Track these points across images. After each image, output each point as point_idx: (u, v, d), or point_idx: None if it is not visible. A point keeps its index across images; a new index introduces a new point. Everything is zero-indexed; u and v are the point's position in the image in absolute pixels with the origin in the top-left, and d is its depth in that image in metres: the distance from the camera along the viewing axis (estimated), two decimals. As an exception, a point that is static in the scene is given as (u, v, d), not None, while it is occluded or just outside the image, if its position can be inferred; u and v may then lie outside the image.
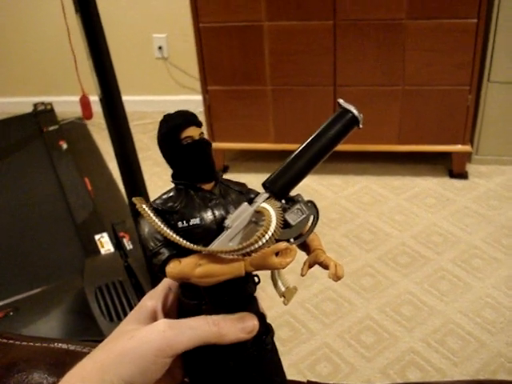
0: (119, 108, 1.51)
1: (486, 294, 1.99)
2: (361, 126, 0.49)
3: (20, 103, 3.42)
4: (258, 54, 2.45)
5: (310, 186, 2.58)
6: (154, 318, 0.51)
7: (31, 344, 0.67)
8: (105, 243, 2.03)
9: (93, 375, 0.45)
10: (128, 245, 1.98)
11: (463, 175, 2.62)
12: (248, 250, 0.43)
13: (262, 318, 0.50)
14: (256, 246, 0.43)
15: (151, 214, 0.45)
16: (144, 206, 0.46)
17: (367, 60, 2.40)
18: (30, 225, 2.27)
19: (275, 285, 0.50)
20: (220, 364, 0.50)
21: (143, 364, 0.45)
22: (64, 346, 0.65)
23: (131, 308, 1.67)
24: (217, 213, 0.47)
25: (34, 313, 1.73)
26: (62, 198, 2.37)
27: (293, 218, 0.47)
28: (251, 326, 0.48)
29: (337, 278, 0.49)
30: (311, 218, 0.48)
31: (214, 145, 2.71)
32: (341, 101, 0.49)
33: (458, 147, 2.54)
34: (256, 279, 0.50)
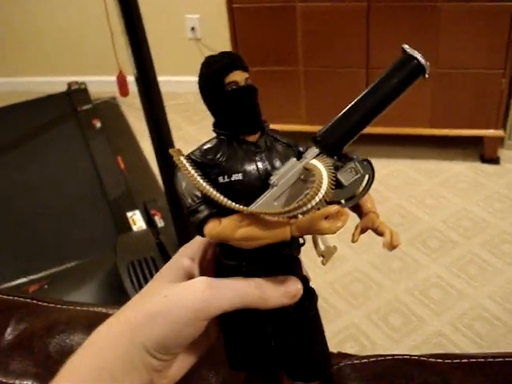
0: (154, 87, 1.53)
1: (516, 279, 1.99)
2: (427, 75, 0.43)
3: (54, 82, 3.47)
4: (290, 35, 2.45)
5: (340, 169, 2.58)
6: (191, 271, 0.47)
7: (71, 307, 0.70)
8: (137, 220, 2.07)
9: (122, 336, 0.42)
10: (159, 222, 2.02)
11: (495, 160, 2.59)
12: (296, 212, 0.39)
13: (305, 281, 0.47)
14: (305, 208, 0.39)
15: (189, 168, 0.41)
16: (182, 158, 0.41)
17: (400, 42, 2.38)
18: (65, 202, 2.31)
19: (315, 243, 0.45)
20: (259, 328, 0.46)
21: (178, 326, 0.41)
22: (103, 310, 0.68)
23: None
24: (261, 168, 0.42)
25: (68, 286, 1.78)
26: (96, 176, 2.41)
27: (346, 177, 0.42)
28: (295, 291, 0.44)
29: (392, 247, 0.44)
30: (366, 178, 0.43)
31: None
32: (406, 46, 0.44)
33: (491, 132, 2.51)
34: (301, 240, 0.45)
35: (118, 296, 1.71)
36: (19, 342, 0.65)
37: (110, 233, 2.02)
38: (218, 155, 0.42)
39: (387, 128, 2.54)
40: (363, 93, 0.44)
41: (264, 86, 2.64)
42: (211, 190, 0.40)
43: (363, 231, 0.46)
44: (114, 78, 3.04)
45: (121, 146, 2.65)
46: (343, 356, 0.66)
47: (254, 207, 0.40)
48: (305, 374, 0.49)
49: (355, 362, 0.61)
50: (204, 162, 0.42)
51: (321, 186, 0.39)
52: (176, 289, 0.43)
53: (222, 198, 0.40)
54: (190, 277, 0.46)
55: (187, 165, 0.41)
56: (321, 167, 0.40)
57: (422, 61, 0.43)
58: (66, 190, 2.38)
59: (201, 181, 0.40)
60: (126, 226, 2.05)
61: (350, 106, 0.44)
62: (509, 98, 2.48)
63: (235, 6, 2.43)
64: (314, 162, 0.41)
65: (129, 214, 2.10)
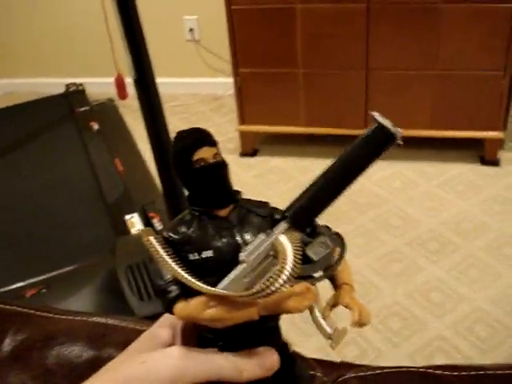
0: (153, 89, 1.52)
1: (517, 282, 1.98)
2: (399, 142, 0.43)
3: (52, 84, 3.45)
4: (290, 36, 2.44)
5: (339, 171, 2.57)
6: (172, 339, 0.47)
7: (70, 318, 0.68)
8: (135, 223, 2.05)
9: None
10: (158, 225, 2.00)
11: (495, 162, 2.59)
12: (261, 295, 0.39)
13: (283, 348, 0.47)
14: (269, 290, 0.38)
15: (159, 249, 0.41)
16: (152, 238, 0.41)
17: (400, 44, 2.38)
18: (62, 204, 2.29)
19: (317, 326, 0.44)
20: None
21: None
22: (102, 320, 0.66)
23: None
24: (232, 243, 0.43)
25: (66, 290, 1.76)
26: (93, 179, 2.39)
27: (315, 251, 0.42)
28: (270, 363, 0.44)
29: (360, 325, 0.45)
30: (337, 250, 0.43)
31: (244, 127, 2.71)
32: (376, 114, 0.43)
33: (491, 134, 2.50)
34: None
35: (116, 300, 1.70)
36: (17, 354, 0.64)
37: (108, 236, 2.00)
38: (189, 231, 0.43)
39: (387, 130, 2.53)
40: (332, 165, 0.43)
41: (263, 88, 2.64)
42: (179, 271, 0.40)
43: (333, 307, 0.46)
44: (112, 80, 3.03)
45: (119, 148, 2.63)
46: (347, 366, 0.65)
47: (222, 285, 0.41)
48: None
49: (361, 374, 0.60)
50: (175, 240, 0.43)
51: (285, 266, 0.39)
52: (153, 355, 0.43)
53: (189, 279, 0.40)
54: (169, 346, 0.46)
55: (156, 246, 0.41)
56: (287, 244, 0.40)
57: (393, 129, 0.42)
58: (63, 193, 2.37)
59: (169, 261, 0.41)
60: (123, 229, 2.03)
61: (319, 179, 0.43)
62: (509, 100, 2.47)
63: (234, 7, 2.42)
64: (282, 238, 0.41)
65: (127, 217, 2.08)
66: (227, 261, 0.42)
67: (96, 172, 2.42)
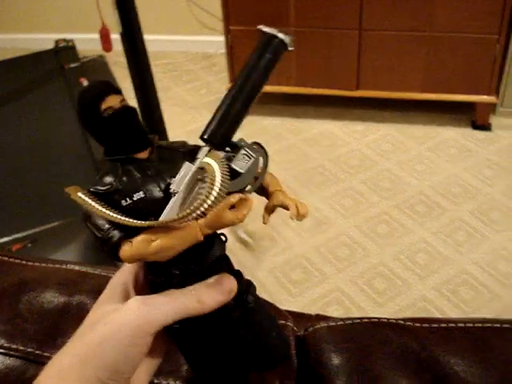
0: (139, 43, 1.49)
1: (503, 246, 1.98)
2: (291, 48, 0.44)
3: (42, 40, 3.40)
4: (282, -6, 2.40)
5: (331, 132, 2.56)
6: (128, 295, 0.47)
7: (43, 265, 0.68)
8: (123, 181, 2.04)
9: (72, 371, 0.42)
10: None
11: (486, 127, 2.57)
12: (197, 212, 0.39)
13: (237, 275, 0.48)
14: (205, 206, 0.39)
15: (89, 200, 0.42)
16: (79, 193, 0.42)
17: (395, 4, 2.34)
18: (51, 161, 2.28)
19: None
20: (206, 332, 0.47)
21: (124, 348, 0.42)
22: (76, 267, 0.66)
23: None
24: (160, 181, 0.43)
25: (51, 245, 1.76)
26: (82, 135, 2.37)
27: (240, 165, 0.43)
28: (229, 286, 0.45)
29: (299, 217, 0.46)
30: (261, 159, 0.44)
31: (235, 87, 2.68)
32: (262, 27, 0.45)
33: (483, 98, 2.48)
34: (223, 238, 0.47)
35: (102, 257, 1.70)
36: (-12, 299, 0.63)
37: (96, 192, 2.00)
38: (116, 180, 0.43)
39: (378, 92, 2.51)
40: (237, 82, 0.45)
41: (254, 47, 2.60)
42: (112, 214, 0.41)
43: (272, 211, 0.48)
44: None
45: (108, 105, 2.61)
46: (321, 318, 0.65)
47: (160, 219, 0.41)
48: (264, 363, 0.51)
49: (331, 324, 0.60)
50: (104, 192, 0.43)
51: (214, 181, 0.39)
52: (114, 313, 0.44)
53: (123, 218, 0.41)
54: (128, 296, 0.47)
55: (86, 198, 0.42)
56: (212, 162, 0.41)
57: (282, 36, 0.44)
58: (51, 149, 2.35)
59: (102, 209, 0.41)
60: (111, 186, 2.02)
61: (227, 98, 0.45)
62: (502, 64, 2.44)
63: (226, -38, 2.37)
64: (206, 159, 0.42)
65: (115, 174, 2.07)
66: (160, 198, 0.43)
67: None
